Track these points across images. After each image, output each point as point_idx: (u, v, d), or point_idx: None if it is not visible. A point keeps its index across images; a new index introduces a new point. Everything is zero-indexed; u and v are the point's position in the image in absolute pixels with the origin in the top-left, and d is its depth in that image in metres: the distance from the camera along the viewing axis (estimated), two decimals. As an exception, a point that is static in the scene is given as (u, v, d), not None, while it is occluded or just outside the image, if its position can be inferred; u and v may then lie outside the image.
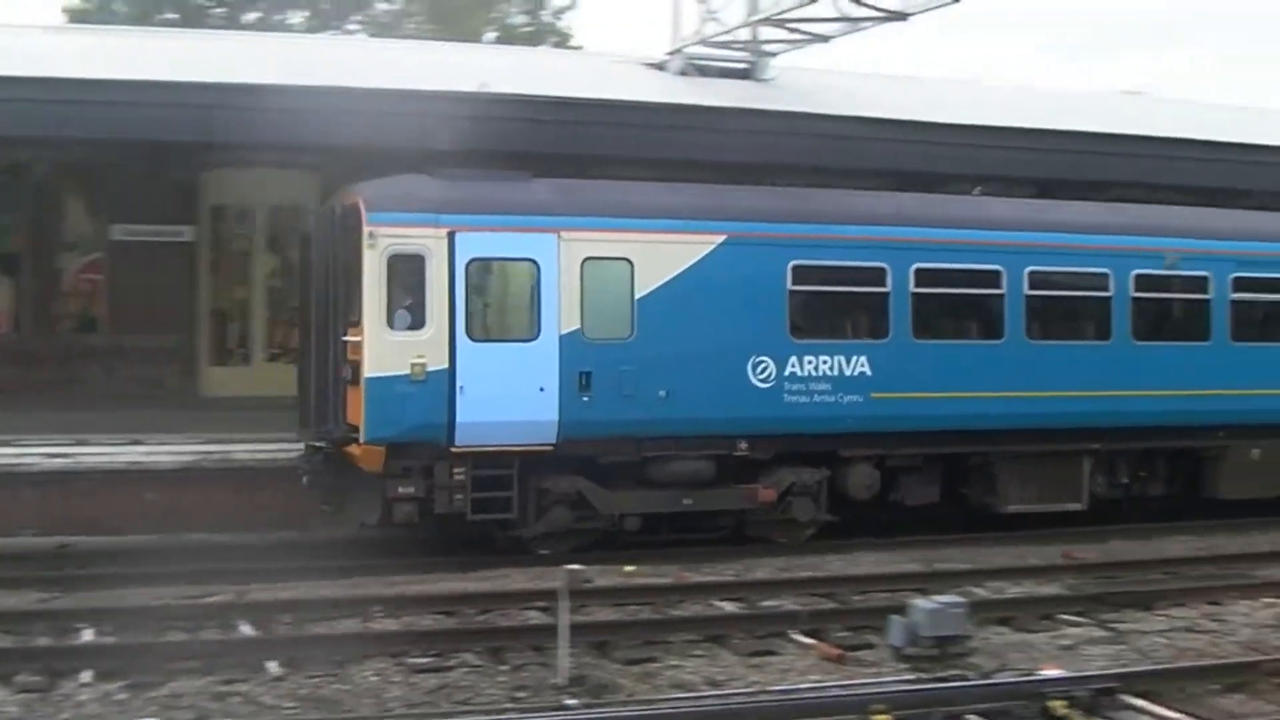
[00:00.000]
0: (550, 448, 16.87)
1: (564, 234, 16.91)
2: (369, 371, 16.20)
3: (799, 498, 18.30)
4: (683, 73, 23.72)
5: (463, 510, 16.72)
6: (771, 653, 12.50)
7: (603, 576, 14.93)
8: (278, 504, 18.63)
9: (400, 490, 16.53)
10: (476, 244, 16.62)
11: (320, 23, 41.08)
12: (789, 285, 17.85)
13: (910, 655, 12.13)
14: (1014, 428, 18.92)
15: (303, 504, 18.10)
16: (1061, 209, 20.46)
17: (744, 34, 23.71)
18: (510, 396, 16.59)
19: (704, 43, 23.91)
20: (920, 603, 12.44)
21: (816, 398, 17.86)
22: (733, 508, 18.11)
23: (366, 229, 16.25)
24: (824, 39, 23.39)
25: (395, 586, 15.29)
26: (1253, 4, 63.20)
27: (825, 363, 17.89)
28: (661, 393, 17.16)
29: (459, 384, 16.33)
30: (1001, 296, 18.92)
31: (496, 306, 16.99)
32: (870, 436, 18.40)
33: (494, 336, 16.78)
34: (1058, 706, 10.48)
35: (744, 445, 17.82)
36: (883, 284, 18.34)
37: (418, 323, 16.38)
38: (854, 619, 13.69)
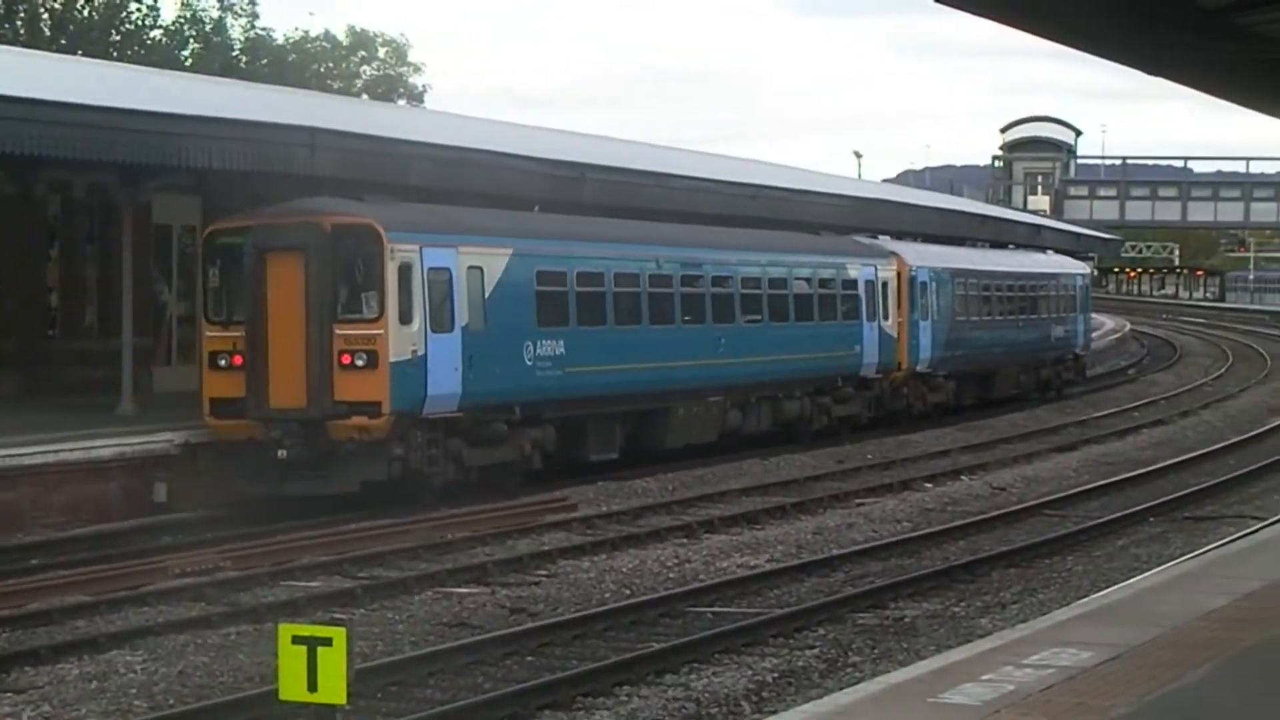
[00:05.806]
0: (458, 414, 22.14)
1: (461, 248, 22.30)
2: (392, 357, 20.46)
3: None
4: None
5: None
6: None
7: None
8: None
9: (397, 451, 20.82)
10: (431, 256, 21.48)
11: None
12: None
13: None
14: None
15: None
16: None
17: None
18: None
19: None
20: None
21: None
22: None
23: (388, 245, 20.45)
24: None
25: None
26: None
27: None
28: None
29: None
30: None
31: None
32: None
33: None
34: None
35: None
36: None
37: (408, 318, 20.93)
38: None
